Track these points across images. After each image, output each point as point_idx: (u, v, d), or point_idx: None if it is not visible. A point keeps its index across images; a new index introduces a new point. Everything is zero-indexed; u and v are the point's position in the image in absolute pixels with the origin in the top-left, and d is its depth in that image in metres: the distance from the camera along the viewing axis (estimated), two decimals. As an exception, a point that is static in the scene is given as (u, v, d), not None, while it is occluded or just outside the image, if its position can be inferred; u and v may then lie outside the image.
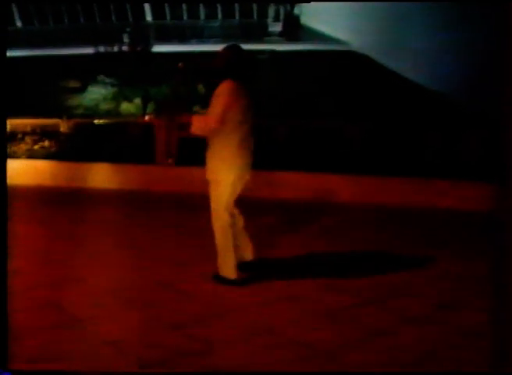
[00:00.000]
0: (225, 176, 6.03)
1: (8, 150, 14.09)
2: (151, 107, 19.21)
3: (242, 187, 6.15)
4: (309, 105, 19.10)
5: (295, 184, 11.44)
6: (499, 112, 3.10)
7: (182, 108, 7.13)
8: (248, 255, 6.36)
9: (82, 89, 22.00)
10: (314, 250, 7.81)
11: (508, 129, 3.11)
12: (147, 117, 8.04)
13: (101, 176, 12.49)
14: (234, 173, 6.04)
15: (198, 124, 6.16)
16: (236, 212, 6.22)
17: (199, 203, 6.81)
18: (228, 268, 6.17)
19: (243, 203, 6.24)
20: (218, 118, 5.96)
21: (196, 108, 18.72)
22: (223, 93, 6.01)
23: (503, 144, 3.13)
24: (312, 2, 29.45)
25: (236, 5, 33.12)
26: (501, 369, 3.38)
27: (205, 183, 6.18)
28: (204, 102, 18.77)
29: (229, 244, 6.14)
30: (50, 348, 4.88)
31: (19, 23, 35.94)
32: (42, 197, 11.85)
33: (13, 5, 35.32)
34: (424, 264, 7.05)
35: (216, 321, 5.37)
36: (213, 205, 6.12)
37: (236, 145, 6.02)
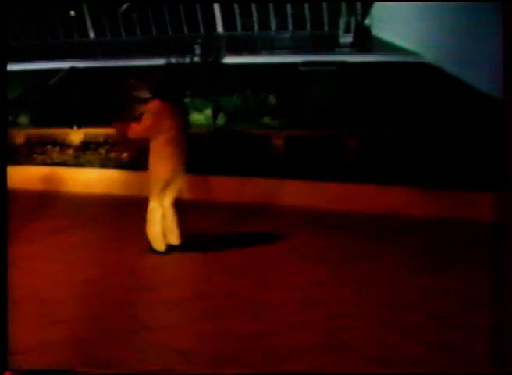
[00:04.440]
0: (158, 173, 7.99)
1: (82, 159, 14.33)
2: (221, 118, 19.23)
3: (176, 185, 8.16)
4: (380, 117, 18.90)
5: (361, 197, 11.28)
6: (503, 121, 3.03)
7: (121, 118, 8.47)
8: (174, 239, 8.24)
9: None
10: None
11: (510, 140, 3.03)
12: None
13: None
14: (165, 172, 7.98)
15: (134, 129, 8.03)
16: (169, 203, 8.18)
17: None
18: (155, 241, 8.08)
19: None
20: (146, 127, 7.89)
21: (266, 119, 18.67)
22: (151, 110, 7.92)
23: (505, 154, 3.05)
24: (383, 13, 29.23)
25: (307, 16, 33.06)
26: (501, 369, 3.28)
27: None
28: (275, 113, 18.61)
29: (155, 223, 8.06)
30: (118, 354, 4.91)
31: (92, 35, 36.57)
32: (116, 205, 12.01)
33: (87, 17, 35.98)
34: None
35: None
36: (150, 193, 8.09)
37: (168, 152, 7.95)
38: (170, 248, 8.20)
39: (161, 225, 8.16)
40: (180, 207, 8.30)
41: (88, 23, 36.35)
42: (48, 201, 11.99)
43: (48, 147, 15.14)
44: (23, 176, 14.07)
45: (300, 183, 11.70)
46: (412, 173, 11.29)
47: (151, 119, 7.90)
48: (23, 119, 21.84)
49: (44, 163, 14.77)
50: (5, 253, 4.35)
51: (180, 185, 8.32)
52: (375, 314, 5.86)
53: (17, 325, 5.54)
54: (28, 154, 15.21)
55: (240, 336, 5.23)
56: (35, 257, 8.14)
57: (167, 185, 8.09)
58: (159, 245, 8.14)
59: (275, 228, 9.89)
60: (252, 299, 6.34)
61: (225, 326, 5.55)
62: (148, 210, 8.13)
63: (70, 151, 14.85)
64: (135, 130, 8.06)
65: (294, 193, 11.53)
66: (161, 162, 7.99)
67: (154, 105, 7.98)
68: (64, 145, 15.12)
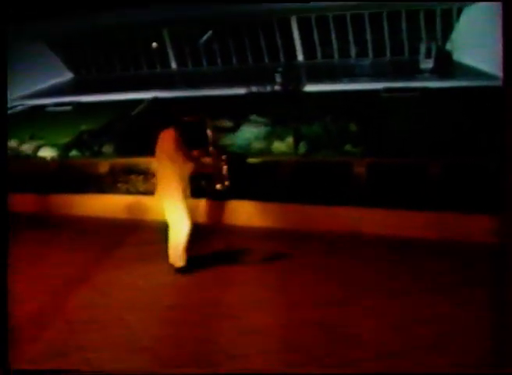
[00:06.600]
0: (182, 198, 8.59)
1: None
2: (302, 146, 19.25)
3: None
4: (462, 143, 18.63)
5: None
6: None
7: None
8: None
9: (235, 128, 22.37)
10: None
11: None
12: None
13: (247, 213, 12.53)
14: (186, 197, 8.66)
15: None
16: None
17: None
18: (183, 260, 8.79)
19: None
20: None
21: (348, 147, 18.59)
22: (179, 138, 8.63)
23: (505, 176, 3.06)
24: (464, 37, 28.94)
25: (387, 43, 32.99)
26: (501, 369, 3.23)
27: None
28: (356, 141, 18.40)
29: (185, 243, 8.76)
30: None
31: (174, 65, 37.26)
32: (198, 233, 12.11)
33: (169, 47, 36.69)
34: None
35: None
36: (179, 218, 8.69)
37: (185, 178, 8.61)
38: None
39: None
40: (270, 235, 8.25)
41: (170, 53, 37.07)
42: (132, 229, 12.17)
43: (132, 176, 15.35)
44: (108, 204, 14.31)
45: (384, 212, 11.56)
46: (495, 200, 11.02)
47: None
48: (108, 149, 22.28)
49: (129, 192, 14.98)
50: (5, 260, 4.55)
51: None
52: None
53: (102, 350, 5.65)
54: (112, 183, 15.44)
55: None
56: (121, 284, 8.28)
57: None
58: (183, 260, 8.85)
59: (360, 257, 9.81)
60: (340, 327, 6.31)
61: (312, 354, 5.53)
62: (186, 233, 8.77)
63: (154, 180, 15.04)
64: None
65: (377, 221, 11.41)
66: (187, 187, 8.71)
67: (176, 133, 8.75)
68: (148, 174, 15.30)
